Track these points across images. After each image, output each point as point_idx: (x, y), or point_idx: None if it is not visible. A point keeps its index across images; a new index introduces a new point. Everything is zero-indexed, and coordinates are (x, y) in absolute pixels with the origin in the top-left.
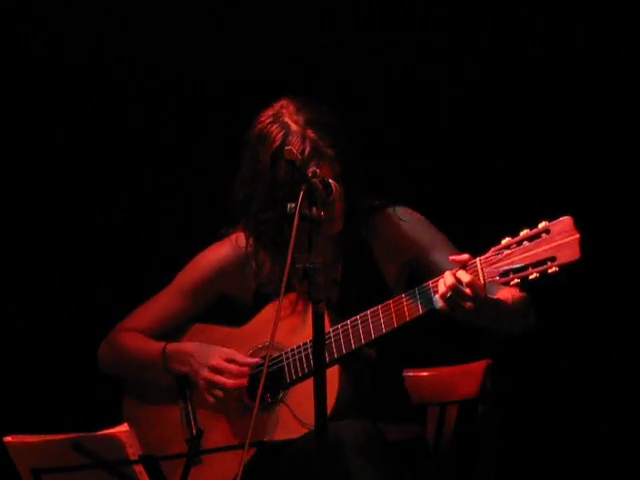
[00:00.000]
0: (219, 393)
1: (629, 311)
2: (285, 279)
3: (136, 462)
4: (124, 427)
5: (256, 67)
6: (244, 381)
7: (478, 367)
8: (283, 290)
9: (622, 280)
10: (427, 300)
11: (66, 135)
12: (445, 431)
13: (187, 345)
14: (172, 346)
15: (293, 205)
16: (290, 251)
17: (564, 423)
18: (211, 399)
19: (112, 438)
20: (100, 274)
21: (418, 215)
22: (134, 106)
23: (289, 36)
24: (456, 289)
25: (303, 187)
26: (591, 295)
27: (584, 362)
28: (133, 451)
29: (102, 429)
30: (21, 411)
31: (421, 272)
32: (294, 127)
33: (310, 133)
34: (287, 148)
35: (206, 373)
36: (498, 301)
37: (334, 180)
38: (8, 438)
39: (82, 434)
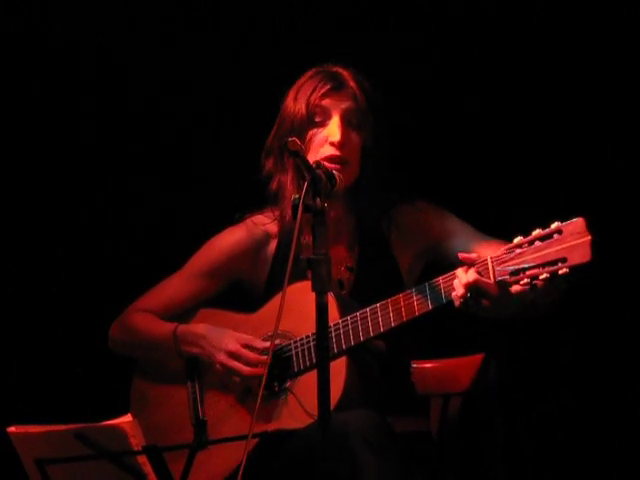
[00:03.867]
0: (236, 379)
1: (634, 308)
2: (289, 270)
3: (140, 453)
4: (128, 418)
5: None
6: (261, 370)
7: (482, 358)
8: (287, 281)
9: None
10: (437, 296)
11: (80, 126)
12: (449, 422)
13: (198, 327)
14: (183, 327)
15: (297, 196)
16: (294, 241)
17: (570, 415)
18: (228, 384)
19: (116, 429)
20: (106, 262)
21: (435, 206)
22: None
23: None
24: (470, 287)
25: (307, 178)
26: (597, 291)
27: (590, 352)
28: (137, 442)
29: (106, 419)
30: (24, 401)
31: (441, 260)
32: (331, 68)
33: (343, 71)
34: (290, 140)
35: (223, 357)
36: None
37: (345, 121)
38: (12, 428)
39: (86, 424)
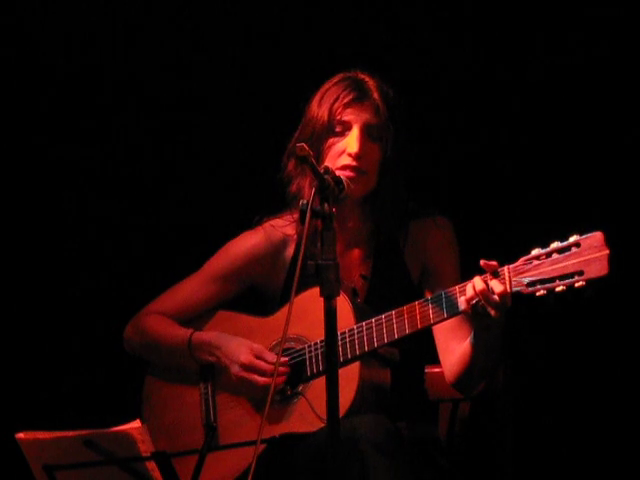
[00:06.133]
0: (251, 389)
1: None
2: (297, 276)
3: (148, 459)
4: (136, 424)
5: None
6: (277, 379)
7: None
8: (295, 286)
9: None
10: (452, 305)
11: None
12: (457, 427)
13: (212, 336)
14: (198, 335)
15: (305, 202)
16: (302, 247)
17: (578, 420)
18: (247, 394)
19: (125, 435)
20: (118, 265)
21: (452, 233)
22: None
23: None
24: (485, 295)
25: (315, 183)
26: (608, 298)
27: (598, 358)
28: (145, 447)
29: (117, 423)
30: (33, 407)
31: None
32: (358, 75)
33: (368, 80)
34: (299, 145)
35: (237, 370)
36: None
37: (365, 133)
38: (20, 434)
39: (95, 431)
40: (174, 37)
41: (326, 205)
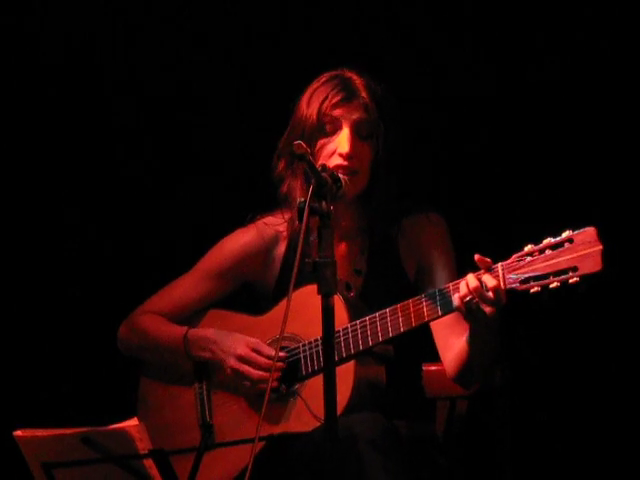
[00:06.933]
0: (247, 383)
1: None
2: (295, 274)
3: (146, 456)
4: (134, 421)
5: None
6: (273, 374)
7: None
8: (293, 283)
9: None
10: (447, 302)
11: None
12: (455, 425)
13: (209, 331)
14: (194, 332)
15: (302, 199)
16: (300, 245)
17: (575, 418)
18: (241, 389)
19: (122, 432)
20: (112, 263)
21: (446, 229)
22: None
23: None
24: (479, 292)
25: (312, 181)
26: (604, 294)
27: (593, 353)
28: (143, 445)
29: (113, 422)
30: (31, 405)
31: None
32: (345, 74)
33: (356, 79)
34: (296, 143)
35: (233, 362)
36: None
37: (355, 132)
38: (18, 432)
39: (92, 428)
40: (174, 37)
41: (324, 203)
